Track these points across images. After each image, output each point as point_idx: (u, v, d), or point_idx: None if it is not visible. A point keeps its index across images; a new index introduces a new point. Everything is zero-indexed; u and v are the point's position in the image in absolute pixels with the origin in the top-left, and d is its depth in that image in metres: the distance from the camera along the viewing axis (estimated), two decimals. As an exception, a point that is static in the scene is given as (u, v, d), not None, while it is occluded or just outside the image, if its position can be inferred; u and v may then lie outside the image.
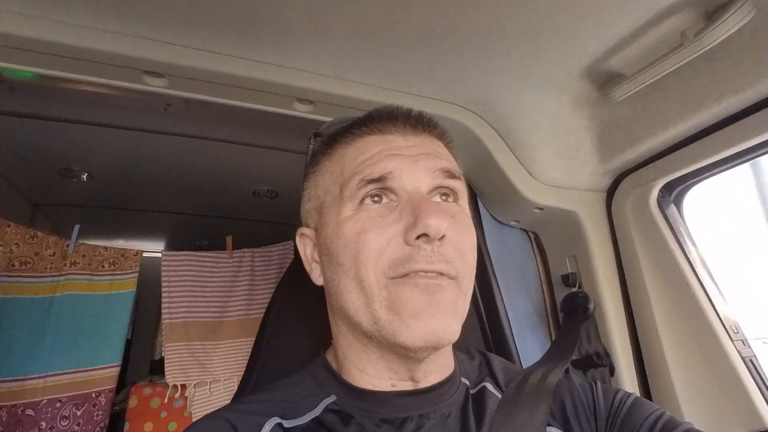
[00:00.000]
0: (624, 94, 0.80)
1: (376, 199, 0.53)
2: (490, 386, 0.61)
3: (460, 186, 0.57)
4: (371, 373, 0.56)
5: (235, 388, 1.75)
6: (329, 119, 0.93)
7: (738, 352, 0.73)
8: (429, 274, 0.49)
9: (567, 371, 0.66)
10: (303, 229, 0.63)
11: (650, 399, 0.83)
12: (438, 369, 0.58)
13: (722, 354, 0.74)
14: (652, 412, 0.55)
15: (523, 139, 0.91)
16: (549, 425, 0.56)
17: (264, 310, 1.82)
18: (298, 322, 0.72)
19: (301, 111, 0.91)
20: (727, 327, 0.75)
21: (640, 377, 0.84)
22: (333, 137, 0.61)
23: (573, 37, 0.73)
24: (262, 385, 0.69)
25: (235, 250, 1.90)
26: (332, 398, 0.56)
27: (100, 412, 1.62)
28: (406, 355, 0.51)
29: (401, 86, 0.87)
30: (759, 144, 0.70)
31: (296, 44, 0.76)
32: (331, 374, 0.59)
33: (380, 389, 0.55)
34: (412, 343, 0.48)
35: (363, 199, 0.53)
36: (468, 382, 0.61)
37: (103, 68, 0.79)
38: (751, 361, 0.73)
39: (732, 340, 0.74)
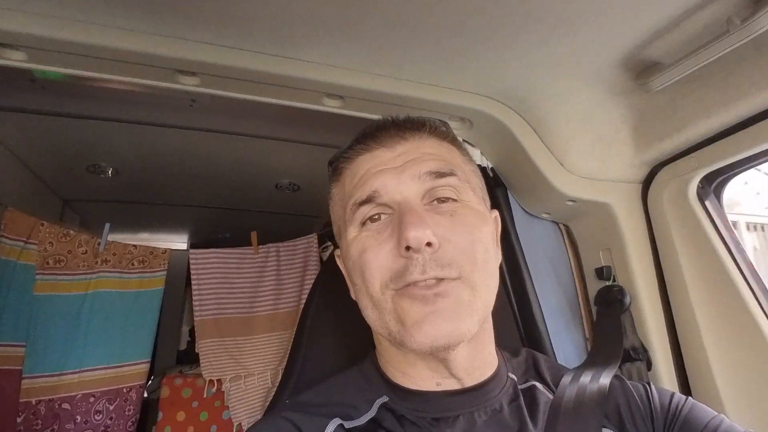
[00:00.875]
0: (663, 83, 0.77)
1: (375, 217, 0.55)
2: (539, 385, 0.61)
3: (456, 181, 0.56)
4: (413, 374, 0.57)
5: (269, 381, 1.79)
6: (359, 114, 0.93)
7: (783, 347, 0.71)
8: (427, 283, 0.50)
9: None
10: (336, 251, 0.67)
11: (690, 393, 0.81)
12: (480, 366, 0.58)
13: (764, 347, 0.72)
14: (712, 418, 0.55)
15: (555, 130, 0.89)
16: (604, 426, 0.56)
17: (291, 304, 1.85)
18: (336, 327, 0.73)
19: (330, 106, 0.91)
20: (771, 321, 0.73)
21: (678, 373, 0.83)
22: (336, 166, 0.63)
23: (609, 25, 0.71)
24: (301, 384, 0.70)
25: (261, 245, 1.92)
26: (384, 398, 0.57)
27: (131, 407, 1.67)
28: (428, 357, 0.53)
29: (430, 79, 0.86)
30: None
31: (324, 40, 0.76)
32: (381, 375, 0.60)
33: (427, 389, 0.56)
34: (420, 349, 0.49)
35: (363, 222, 0.55)
36: (515, 378, 0.61)
37: (136, 68, 0.80)
38: (796, 355, 0.71)
39: (776, 334, 0.72)
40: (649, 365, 0.83)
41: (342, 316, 0.73)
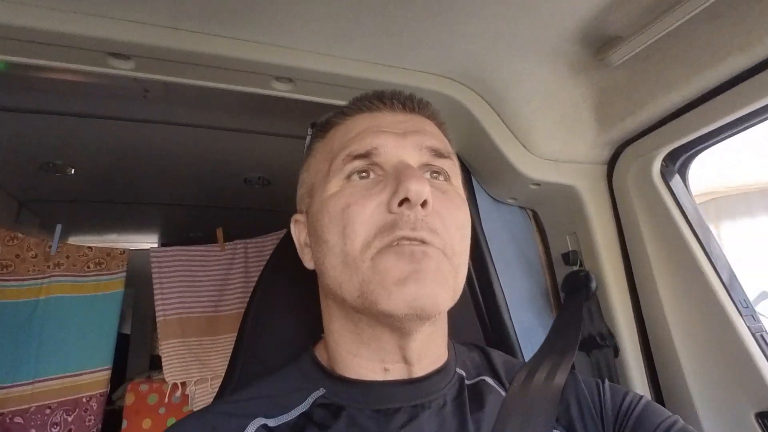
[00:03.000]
0: (622, 57, 0.74)
1: (363, 174, 0.52)
2: (489, 380, 0.58)
3: (450, 165, 0.56)
4: (364, 354, 0.53)
5: (236, 383, 1.72)
6: (311, 98, 0.89)
7: (748, 327, 0.69)
8: (413, 243, 0.47)
9: (573, 366, 0.63)
10: (296, 216, 0.62)
11: (657, 379, 0.79)
12: (432, 354, 0.55)
13: (731, 330, 0.70)
14: (665, 419, 0.52)
15: (517, 111, 0.86)
16: (554, 428, 0.54)
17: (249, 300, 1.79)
18: (283, 316, 0.69)
19: (280, 90, 0.86)
20: (735, 301, 0.71)
21: (645, 357, 0.81)
22: (327, 121, 0.61)
23: (562, -1, 0.68)
24: (244, 380, 0.65)
25: (228, 242, 1.86)
26: (321, 391, 0.53)
27: (92, 417, 1.59)
28: (393, 326, 0.49)
29: (386, 59, 0.82)
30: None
31: (269, 18, 0.71)
32: (320, 368, 0.56)
33: (372, 378, 0.53)
34: (395, 310, 0.46)
35: (350, 175, 0.52)
36: (464, 373, 0.58)
37: (65, 52, 0.74)
38: (762, 336, 0.69)
39: (741, 316, 0.70)
40: (616, 351, 0.81)
41: (289, 305, 0.69)
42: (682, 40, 0.70)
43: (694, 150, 0.79)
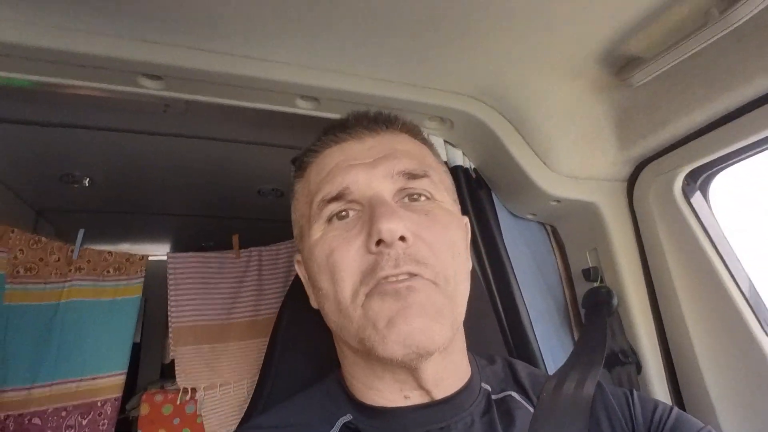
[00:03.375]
0: (644, 78, 0.75)
1: (342, 214, 0.51)
2: (516, 395, 0.57)
3: (428, 184, 0.54)
4: (381, 388, 0.53)
5: (245, 391, 1.73)
6: (334, 116, 0.90)
7: (774, 345, 0.70)
8: (399, 278, 0.46)
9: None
10: (298, 256, 0.61)
11: (681, 397, 0.79)
12: (450, 375, 0.54)
13: (755, 347, 0.70)
14: (699, 430, 0.52)
15: (537, 128, 0.87)
16: None
17: (273, 310, 1.80)
18: (312, 336, 0.69)
19: (304, 108, 0.88)
20: (761, 320, 0.71)
21: (668, 375, 0.81)
22: (302, 159, 0.59)
23: (588, 19, 0.69)
24: (274, 400, 0.66)
25: (242, 250, 1.87)
26: (348, 417, 0.53)
27: (106, 422, 1.60)
28: (401, 365, 0.48)
29: (407, 78, 0.83)
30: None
31: (296, 39, 0.73)
32: (345, 393, 0.56)
33: (394, 404, 0.52)
34: (392, 355, 0.45)
35: (330, 219, 0.51)
36: (489, 388, 0.57)
37: (99, 73, 0.76)
38: (787, 355, 0.69)
39: (765, 332, 0.70)
40: (638, 368, 0.81)
41: (317, 325, 0.70)
42: (706, 62, 0.71)
43: (716, 168, 0.79)
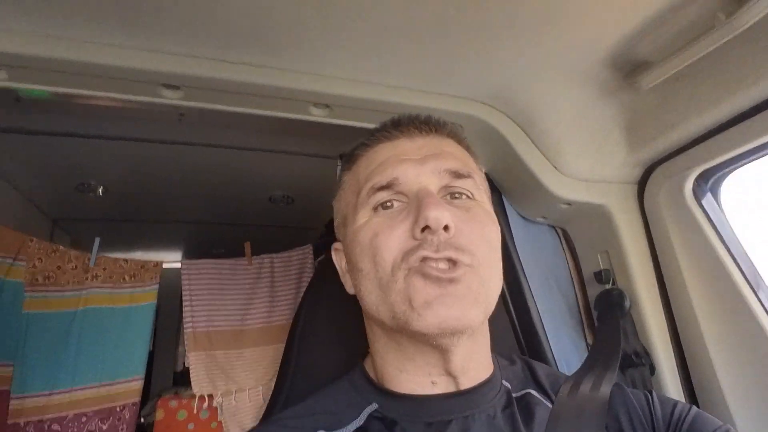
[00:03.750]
0: (653, 81, 0.76)
1: (387, 204, 0.55)
2: (535, 393, 0.59)
3: (471, 184, 0.57)
4: (411, 369, 0.55)
5: (260, 396, 1.74)
6: (346, 122, 0.92)
7: (789, 347, 0.70)
8: (440, 264, 0.49)
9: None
10: (336, 244, 0.65)
11: (695, 399, 0.79)
12: (475, 367, 0.57)
13: (770, 349, 0.70)
14: (718, 428, 0.53)
15: (547, 132, 0.88)
16: None
17: (285, 316, 1.81)
18: (329, 334, 0.71)
19: (317, 116, 0.89)
20: (775, 321, 0.71)
21: (682, 376, 0.81)
22: (352, 153, 0.64)
23: (596, 23, 0.70)
24: (293, 397, 0.67)
25: (254, 256, 1.89)
26: (374, 406, 0.55)
27: (125, 426, 1.62)
28: (431, 343, 0.51)
29: (418, 85, 0.85)
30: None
31: (309, 48, 0.74)
32: (370, 382, 0.58)
33: (421, 392, 0.55)
34: (427, 330, 0.48)
35: (376, 207, 0.55)
36: (509, 386, 0.59)
37: (118, 83, 0.78)
38: (803, 355, 0.69)
39: (781, 334, 0.70)
40: (652, 370, 0.81)
41: (334, 323, 0.71)
42: (714, 64, 0.72)
43: (726, 170, 0.80)
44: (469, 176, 0.57)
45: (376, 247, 0.52)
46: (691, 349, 0.80)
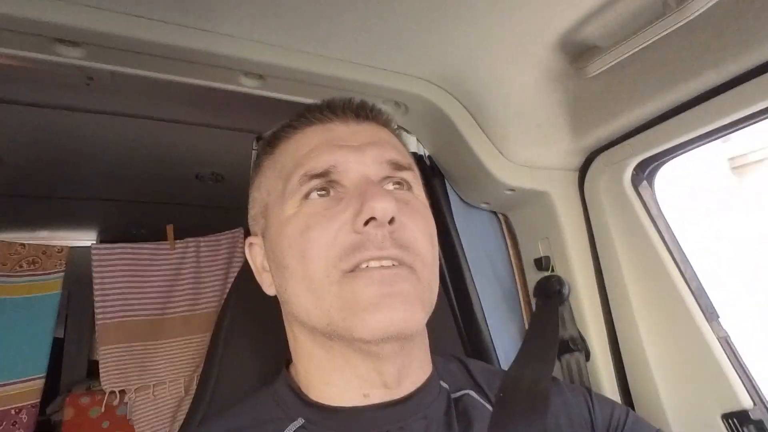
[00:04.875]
0: (599, 67, 0.75)
1: (322, 192, 0.50)
2: (473, 394, 0.57)
3: (412, 177, 0.54)
4: (339, 383, 0.51)
5: (182, 390, 1.63)
6: (281, 96, 0.84)
7: (714, 332, 0.73)
8: (383, 263, 0.46)
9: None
10: (251, 239, 0.59)
11: (626, 382, 0.82)
12: (413, 372, 0.53)
13: (699, 335, 0.73)
14: None
15: (493, 116, 0.86)
16: None
17: (212, 305, 1.70)
18: (256, 334, 0.64)
19: (248, 87, 0.80)
20: (703, 308, 0.74)
21: (615, 361, 0.83)
22: (274, 135, 0.58)
23: (546, 5, 0.68)
24: (216, 402, 0.61)
25: (178, 240, 1.75)
26: (299, 422, 0.50)
27: (22, 431, 1.45)
28: (369, 352, 0.47)
29: (362, 59, 0.78)
30: (736, 120, 0.68)
31: (241, 10, 0.65)
32: (296, 395, 0.52)
33: (352, 404, 0.50)
34: (371, 336, 0.44)
35: (308, 194, 0.49)
36: (447, 386, 0.57)
37: (6, 36, 0.65)
38: (726, 341, 0.73)
39: (708, 321, 0.73)
40: (587, 355, 0.83)
41: (269, 318, 0.65)
42: (658, 54, 0.71)
43: (663, 160, 0.81)
44: (409, 168, 0.55)
45: (307, 242, 0.47)
46: (624, 336, 0.82)
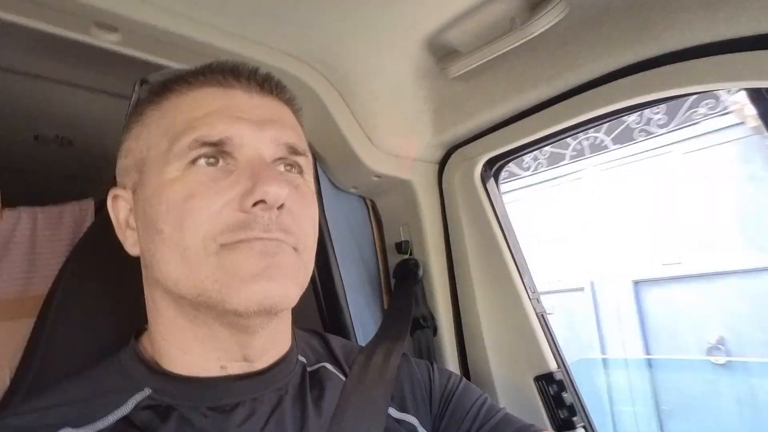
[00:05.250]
0: (459, 70, 0.83)
1: (211, 161, 0.48)
2: (329, 366, 0.60)
3: (305, 162, 0.55)
4: (197, 353, 0.50)
5: (6, 381, 1.41)
6: (141, 55, 0.77)
7: (534, 308, 0.86)
8: (265, 241, 0.46)
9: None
10: (117, 191, 0.54)
11: (464, 351, 0.92)
12: (275, 346, 0.55)
13: (522, 311, 0.86)
14: (477, 398, 0.62)
15: (365, 103, 0.89)
16: (390, 406, 0.58)
17: (48, 285, 1.49)
18: (99, 306, 0.59)
19: (101, 40, 0.72)
20: (527, 287, 0.87)
21: (457, 335, 0.93)
22: (165, 85, 0.53)
23: (417, 5, 0.73)
24: (43, 384, 0.55)
25: (9, 209, 1.50)
26: (146, 392, 0.48)
27: None
28: (237, 325, 0.47)
29: (232, 26, 0.75)
30: (565, 128, 0.81)
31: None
32: (145, 364, 0.50)
33: (208, 374, 0.50)
34: (245, 308, 0.44)
35: (195, 160, 0.47)
36: (305, 360, 0.59)
37: None
38: (542, 316, 0.87)
39: (530, 299, 0.87)
40: (435, 331, 0.92)
41: (107, 293, 0.60)
42: (508, 64, 0.81)
43: (507, 159, 0.93)
44: (304, 154, 0.55)
45: (189, 211, 0.46)
46: (466, 313, 0.93)
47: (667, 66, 0.67)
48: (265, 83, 0.55)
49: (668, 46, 0.66)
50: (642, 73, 0.69)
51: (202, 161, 0.48)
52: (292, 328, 0.60)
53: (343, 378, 0.60)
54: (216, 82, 0.52)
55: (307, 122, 0.93)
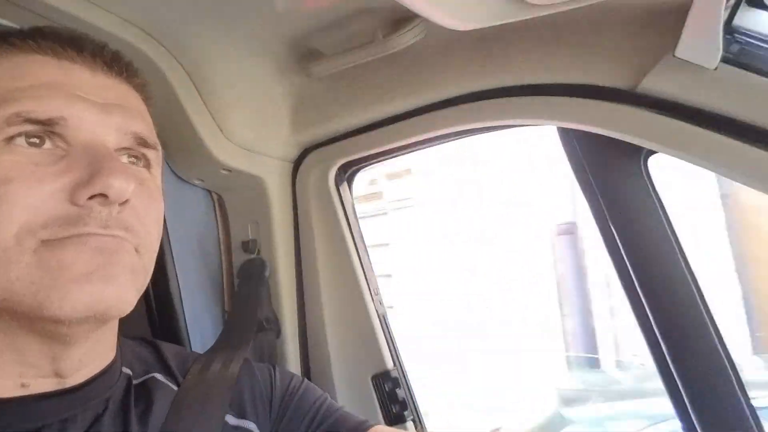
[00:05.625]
0: (321, 72, 0.83)
1: (35, 140, 0.41)
2: (160, 376, 0.55)
3: (155, 156, 0.50)
4: None
5: None
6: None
7: (375, 309, 0.90)
8: (103, 237, 0.41)
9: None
10: None
11: (307, 352, 0.92)
12: (96, 358, 0.48)
13: (365, 311, 0.89)
14: (317, 399, 0.63)
15: (217, 91, 0.84)
16: (227, 414, 0.56)
17: None
18: None
19: None
20: (371, 289, 0.91)
21: (300, 336, 0.93)
22: None
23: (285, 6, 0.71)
24: None
25: None
26: None
27: None
28: (54, 334, 0.41)
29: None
30: (418, 142, 0.86)
31: None
32: None
33: (4, 395, 0.42)
34: (70, 314, 0.38)
35: (13, 137, 0.40)
36: (131, 372, 0.53)
37: None
38: (383, 316, 0.91)
39: (373, 300, 0.90)
40: (278, 334, 0.90)
41: None
42: (368, 73, 0.84)
43: (361, 166, 0.96)
44: (155, 148, 0.50)
45: (3, 197, 0.39)
46: (311, 315, 0.93)
47: (500, 99, 0.76)
48: (114, 63, 0.49)
49: (505, 81, 0.75)
50: (480, 102, 0.78)
51: (22, 140, 0.40)
52: (118, 336, 0.53)
53: (176, 388, 0.56)
54: (50, 50, 0.45)
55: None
